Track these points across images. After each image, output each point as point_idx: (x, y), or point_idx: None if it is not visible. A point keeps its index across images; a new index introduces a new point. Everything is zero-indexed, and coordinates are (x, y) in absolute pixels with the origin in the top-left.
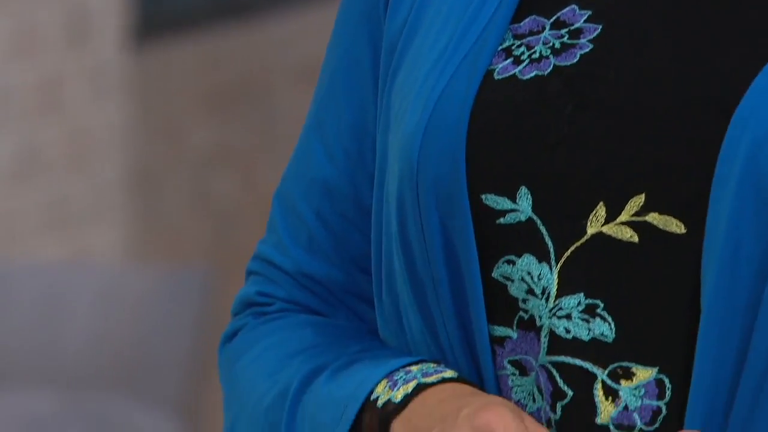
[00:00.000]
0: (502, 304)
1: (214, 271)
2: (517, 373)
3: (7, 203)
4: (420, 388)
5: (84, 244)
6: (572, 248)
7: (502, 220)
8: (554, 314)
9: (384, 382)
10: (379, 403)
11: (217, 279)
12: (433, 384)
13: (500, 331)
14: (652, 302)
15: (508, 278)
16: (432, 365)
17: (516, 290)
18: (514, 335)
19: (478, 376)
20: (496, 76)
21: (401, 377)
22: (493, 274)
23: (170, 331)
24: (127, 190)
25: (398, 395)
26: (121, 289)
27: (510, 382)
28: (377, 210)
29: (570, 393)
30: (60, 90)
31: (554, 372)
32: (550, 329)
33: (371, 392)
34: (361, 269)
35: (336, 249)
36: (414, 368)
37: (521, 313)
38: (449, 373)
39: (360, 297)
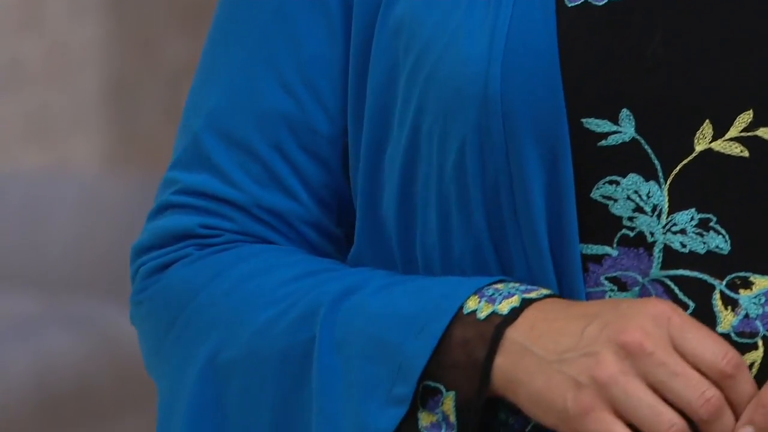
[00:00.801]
0: (600, 224)
1: None
2: (616, 288)
3: None
4: (526, 303)
5: (64, 154)
6: (680, 166)
7: (603, 142)
8: (669, 230)
9: (475, 298)
10: (480, 316)
11: None
12: (537, 299)
13: (595, 249)
14: (767, 213)
15: (610, 198)
16: (517, 284)
17: (620, 209)
18: (614, 252)
19: (560, 294)
20: (569, 4)
21: (496, 293)
22: (592, 195)
23: None
24: (104, 101)
25: (503, 308)
26: (99, 196)
27: (607, 297)
28: (375, 134)
29: (692, 305)
30: (40, 6)
31: (672, 285)
32: (665, 244)
33: (460, 307)
34: (320, 200)
35: (296, 181)
36: (501, 286)
37: (625, 231)
38: (546, 290)
39: (316, 227)
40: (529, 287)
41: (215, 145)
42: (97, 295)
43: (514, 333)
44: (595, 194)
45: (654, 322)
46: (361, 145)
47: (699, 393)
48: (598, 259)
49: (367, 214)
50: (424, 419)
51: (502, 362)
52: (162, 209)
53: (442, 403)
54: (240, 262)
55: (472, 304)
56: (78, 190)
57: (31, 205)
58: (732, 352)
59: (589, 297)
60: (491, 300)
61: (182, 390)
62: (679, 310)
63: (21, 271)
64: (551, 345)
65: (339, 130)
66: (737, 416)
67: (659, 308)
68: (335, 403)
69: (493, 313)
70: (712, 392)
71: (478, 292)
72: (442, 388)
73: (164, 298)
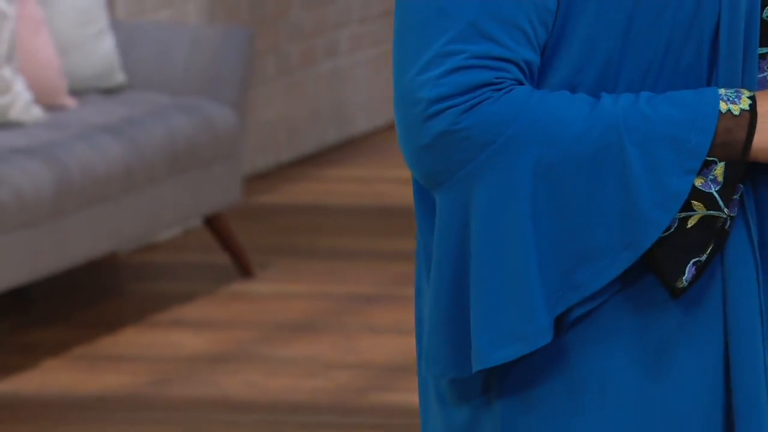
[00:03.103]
0: None
1: (253, 31)
2: None
3: None
4: (752, 98)
5: (182, 12)
6: None
7: None
8: None
9: (722, 103)
10: (735, 113)
11: (255, 35)
12: (752, 95)
13: (766, 50)
14: None
15: None
16: (725, 89)
17: None
18: None
19: (743, 80)
20: None
21: (729, 97)
22: (763, 16)
23: (231, 61)
24: None
25: (744, 105)
26: (202, 38)
27: None
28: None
29: None
30: None
31: None
32: None
33: (719, 110)
34: (539, 51)
35: (536, 41)
36: (724, 92)
37: None
38: (744, 90)
39: (537, 68)
40: (737, 89)
41: (491, 25)
42: (202, 95)
43: (761, 118)
44: (765, 14)
45: None
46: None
47: None
48: (765, 56)
49: (593, 50)
50: (697, 182)
51: (759, 138)
52: (454, 70)
53: (715, 170)
54: (530, 99)
55: (723, 107)
56: (190, 34)
57: (163, 43)
58: None
59: (759, 83)
60: (732, 101)
61: (515, 190)
62: None
63: (159, 80)
64: None
65: (556, 5)
66: None
67: None
68: (642, 178)
69: (742, 110)
70: None
71: (720, 98)
72: (716, 159)
73: (482, 126)
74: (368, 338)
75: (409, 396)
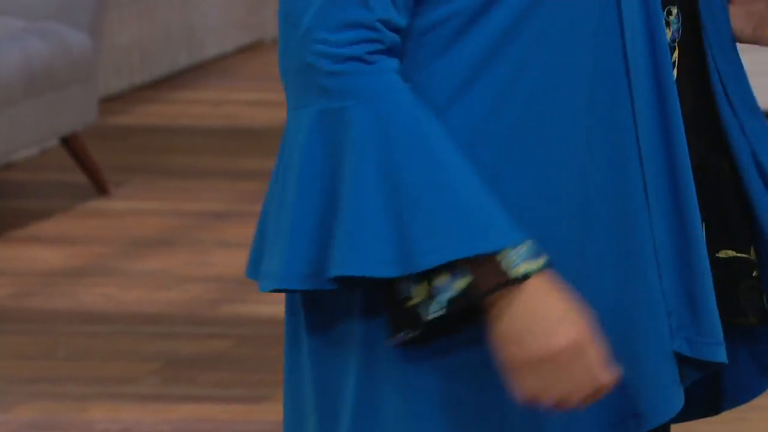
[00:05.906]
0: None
1: None
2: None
3: None
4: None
5: None
6: None
7: None
8: None
9: (506, 262)
10: (511, 275)
11: None
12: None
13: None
14: None
15: None
16: (525, 249)
17: None
18: None
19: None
20: None
21: (519, 257)
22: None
23: None
24: None
25: (519, 271)
26: None
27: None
28: None
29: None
30: None
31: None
32: None
33: (497, 258)
34: (407, 12)
35: (405, 7)
36: (518, 252)
37: None
38: (540, 261)
39: (402, 28)
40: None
41: None
42: (57, 20)
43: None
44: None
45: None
46: None
47: None
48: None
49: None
50: (436, 281)
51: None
52: (347, 28)
53: (453, 285)
54: (384, 95)
55: (504, 262)
56: None
57: None
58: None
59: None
60: (515, 264)
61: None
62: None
63: (15, 5)
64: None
65: None
66: None
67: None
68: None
69: (517, 278)
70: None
71: (505, 251)
72: (467, 275)
73: (359, 84)
74: (220, 253)
75: (258, 307)
